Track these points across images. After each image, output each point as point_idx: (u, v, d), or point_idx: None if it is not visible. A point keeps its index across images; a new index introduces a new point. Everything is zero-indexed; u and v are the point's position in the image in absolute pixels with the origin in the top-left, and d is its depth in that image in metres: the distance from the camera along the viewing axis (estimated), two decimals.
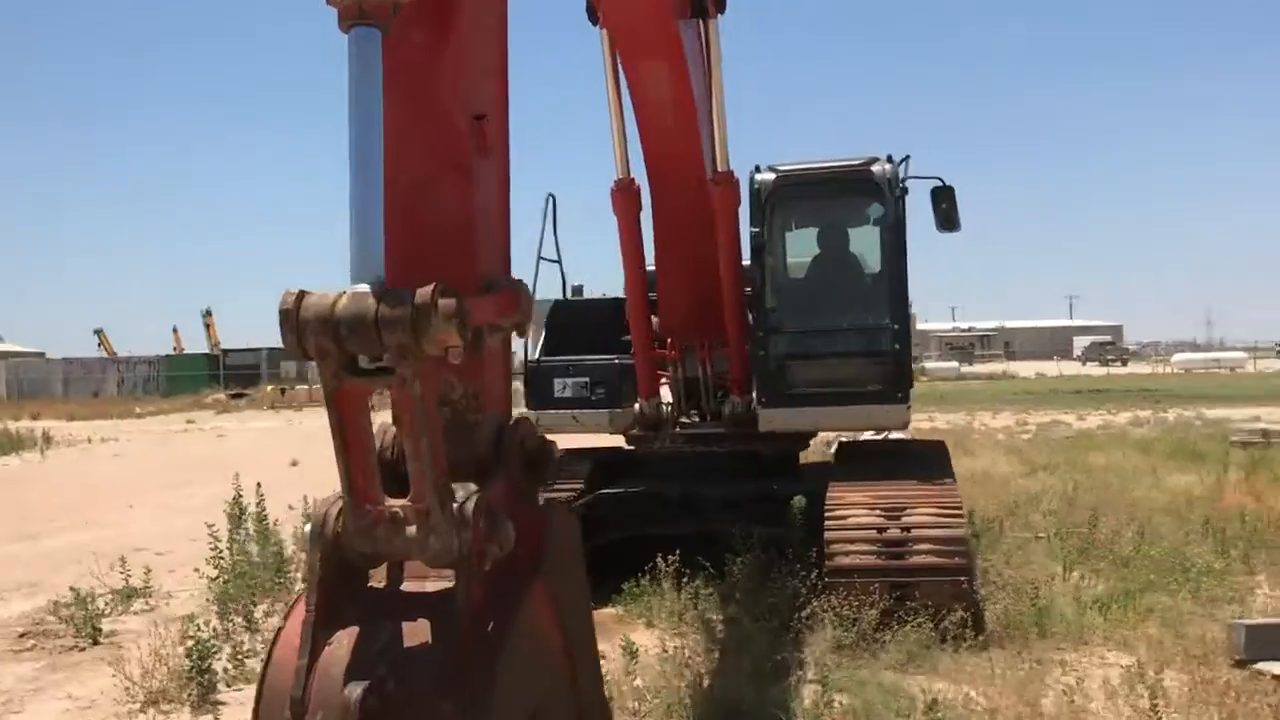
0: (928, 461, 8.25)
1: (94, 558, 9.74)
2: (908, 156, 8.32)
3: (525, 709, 2.84)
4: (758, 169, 8.54)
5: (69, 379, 61.68)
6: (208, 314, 70.88)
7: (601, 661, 3.57)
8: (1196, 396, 34.60)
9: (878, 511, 7.27)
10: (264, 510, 10.22)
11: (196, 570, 8.73)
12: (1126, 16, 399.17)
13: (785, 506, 8.10)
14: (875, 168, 8.28)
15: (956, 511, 7.26)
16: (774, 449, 8.91)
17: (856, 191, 8.57)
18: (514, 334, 3.25)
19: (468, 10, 3.15)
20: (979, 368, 74.75)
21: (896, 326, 8.17)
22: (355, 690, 2.50)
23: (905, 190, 8.17)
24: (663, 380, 9.03)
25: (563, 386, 8.88)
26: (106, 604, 8.44)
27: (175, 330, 73.35)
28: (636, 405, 8.84)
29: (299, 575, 9.36)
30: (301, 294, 2.53)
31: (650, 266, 8.41)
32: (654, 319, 8.65)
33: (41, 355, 75.09)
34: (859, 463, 8.44)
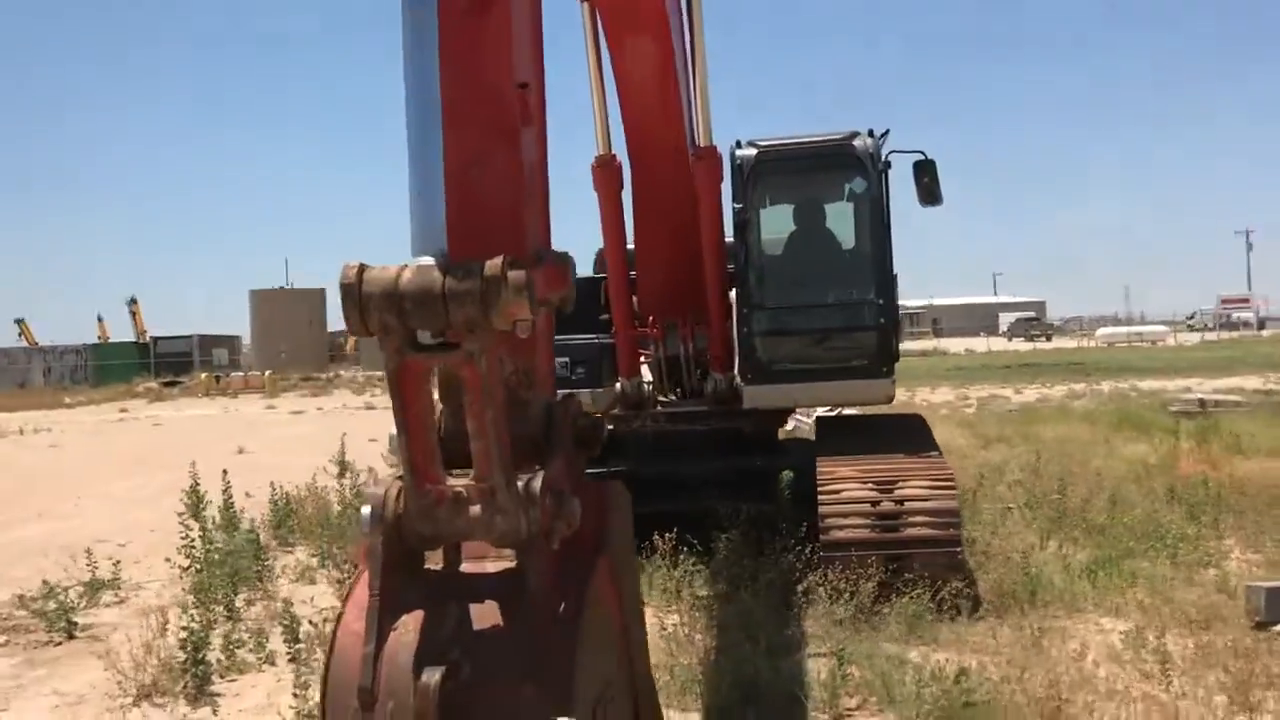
0: (910, 434, 8.32)
1: (57, 551, 9.45)
2: (888, 131, 8.34)
3: (598, 688, 2.78)
4: (739, 144, 8.47)
5: None
6: (133, 302, 68.74)
7: None
8: (1125, 369, 35.53)
9: (870, 485, 7.30)
10: (230, 498, 10.01)
11: (168, 560, 8.48)
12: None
13: (771, 482, 8.11)
14: (857, 142, 8.26)
15: (948, 483, 7.31)
16: (755, 425, 8.90)
17: (839, 166, 8.56)
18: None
19: None
20: (910, 344, 75.52)
21: (881, 301, 8.19)
22: (433, 675, 2.40)
23: (888, 164, 8.17)
24: (642, 359, 8.97)
25: None
26: (78, 596, 8.17)
27: (100, 319, 71.01)
28: (618, 384, 8.77)
29: (279, 566, 9.19)
30: (362, 267, 2.44)
31: (630, 245, 8.34)
32: (634, 298, 8.59)
33: None
34: (844, 437, 8.47)
